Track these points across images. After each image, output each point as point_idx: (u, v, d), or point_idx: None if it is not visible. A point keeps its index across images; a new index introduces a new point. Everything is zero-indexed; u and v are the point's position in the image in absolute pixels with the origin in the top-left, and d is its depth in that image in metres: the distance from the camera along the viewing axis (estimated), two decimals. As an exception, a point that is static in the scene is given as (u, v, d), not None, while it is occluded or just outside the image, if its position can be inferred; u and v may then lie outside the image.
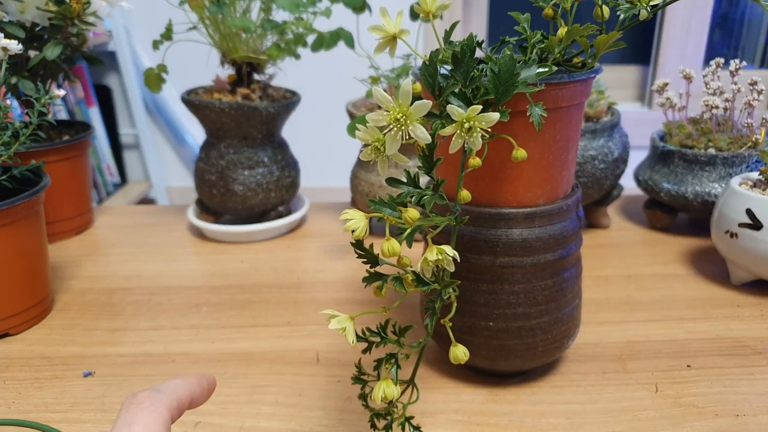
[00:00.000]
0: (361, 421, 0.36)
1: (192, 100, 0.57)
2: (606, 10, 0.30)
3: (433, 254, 0.27)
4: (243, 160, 0.59)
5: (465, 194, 0.30)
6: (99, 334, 0.45)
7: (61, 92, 0.49)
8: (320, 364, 0.41)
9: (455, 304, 0.30)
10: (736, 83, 0.57)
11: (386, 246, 0.27)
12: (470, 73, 0.28)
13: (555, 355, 0.38)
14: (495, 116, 0.26)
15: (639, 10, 0.29)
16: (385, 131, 0.27)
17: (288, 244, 0.61)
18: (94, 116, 1.66)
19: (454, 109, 0.27)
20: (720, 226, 0.49)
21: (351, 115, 0.58)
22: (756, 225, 0.46)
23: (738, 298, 0.49)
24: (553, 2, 0.31)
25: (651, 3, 0.29)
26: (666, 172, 0.58)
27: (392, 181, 0.29)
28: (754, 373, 0.40)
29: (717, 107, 0.56)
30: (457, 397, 0.38)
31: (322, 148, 1.59)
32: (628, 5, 0.29)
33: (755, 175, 0.51)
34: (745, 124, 0.57)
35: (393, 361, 0.29)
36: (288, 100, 0.59)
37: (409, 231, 0.27)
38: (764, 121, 0.57)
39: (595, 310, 0.47)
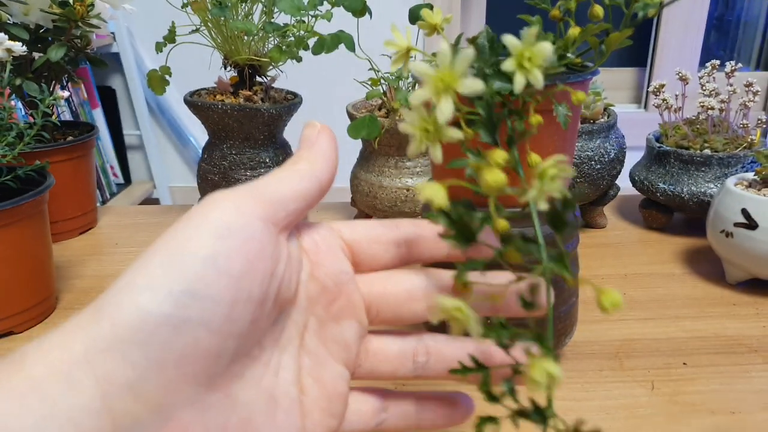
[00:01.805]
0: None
1: (195, 102, 0.57)
2: (600, 9, 0.31)
3: (552, 165, 0.21)
4: (245, 160, 0.59)
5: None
6: (103, 332, 0.46)
7: (65, 93, 0.50)
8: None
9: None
10: (731, 85, 0.57)
11: (490, 176, 0.22)
12: (499, 55, 0.27)
13: (552, 353, 0.38)
14: (548, 47, 0.24)
15: (650, 8, 0.29)
16: (433, 103, 0.24)
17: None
18: (98, 117, 1.67)
19: (510, 39, 0.24)
20: (716, 225, 0.49)
21: (351, 117, 0.58)
22: (751, 225, 0.46)
23: (734, 297, 0.49)
24: (558, 3, 0.32)
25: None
26: (662, 173, 0.59)
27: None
28: (749, 371, 0.40)
29: (713, 108, 0.57)
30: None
31: (322, 150, 1.59)
32: (643, 3, 0.29)
33: (750, 175, 0.51)
34: (741, 125, 0.58)
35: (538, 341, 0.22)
36: (290, 102, 0.60)
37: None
38: (759, 122, 0.57)
39: (592, 309, 0.47)
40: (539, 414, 0.22)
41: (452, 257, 0.25)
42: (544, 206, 0.22)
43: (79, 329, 0.18)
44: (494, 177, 0.22)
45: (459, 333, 0.22)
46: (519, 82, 0.24)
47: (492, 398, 0.23)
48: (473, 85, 0.23)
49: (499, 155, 0.23)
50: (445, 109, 0.24)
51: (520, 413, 0.23)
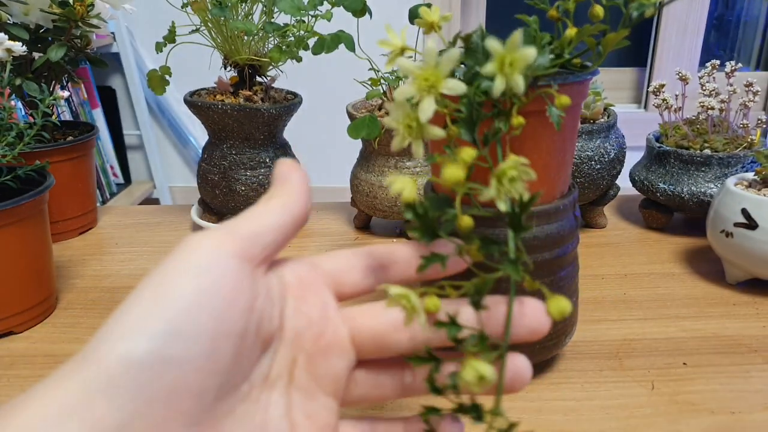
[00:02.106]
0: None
1: (195, 102, 0.57)
2: (600, 9, 0.31)
3: (511, 166, 0.22)
4: (245, 160, 0.59)
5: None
6: (103, 332, 0.46)
7: (65, 93, 0.50)
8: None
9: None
10: (731, 85, 0.57)
11: (448, 172, 0.23)
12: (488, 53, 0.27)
13: (552, 353, 0.38)
14: (531, 52, 0.24)
15: (647, 7, 0.29)
16: (416, 100, 0.25)
17: (289, 243, 0.61)
18: (98, 117, 1.67)
19: (493, 43, 0.24)
20: (715, 225, 0.50)
21: (351, 117, 0.58)
22: (751, 225, 0.46)
23: (733, 297, 0.49)
24: (556, 4, 0.32)
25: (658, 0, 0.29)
26: (662, 173, 0.59)
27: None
28: (749, 371, 0.40)
29: (713, 108, 0.57)
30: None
31: (322, 149, 1.60)
32: (638, 3, 0.29)
33: (750, 175, 0.51)
34: (741, 125, 0.58)
35: (481, 341, 0.23)
36: (289, 102, 0.60)
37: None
38: (759, 122, 0.57)
39: (592, 309, 0.48)
40: (476, 411, 0.23)
41: (424, 277, 0.25)
42: (503, 206, 0.23)
43: (65, 378, 0.18)
44: (452, 172, 0.23)
45: (409, 323, 0.23)
46: (498, 86, 0.24)
47: (436, 391, 0.23)
48: (455, 87, 0.24)
49: (467, 153, 0.24)
50: (427, 108, 0.24)
51: (460, 408, 0.23)
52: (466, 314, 0.24)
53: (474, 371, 0.21)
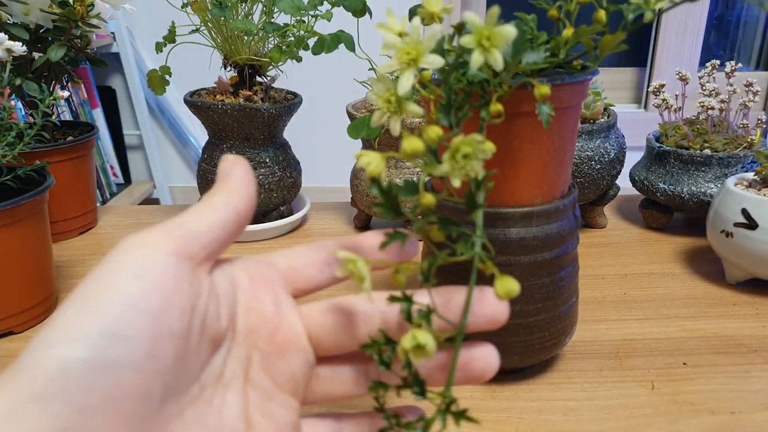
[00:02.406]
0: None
1: (195, 102, 0.57)
2: (604, 13, 0.31)
3: (466, 143, 0.22)
4: (245, 160, 0.59)
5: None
6: (103, 332, 0.46)
7: (65, 93, 0.50)
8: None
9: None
10: (731, 85, 0.57)
11: (408, 144, 0.23)
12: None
13: (552, 353, 0.38)
14: (510, 30, 0.24)
15: (645, 12, 0.29)
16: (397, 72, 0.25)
17: (289, 243, 0.61)
18: (98, 117, 1.67)
19: (472, 16, 0.24)
20: (715, 225, 0.50)
21: (351, 117, 0.58)
22: (751, 224, 0.46)
23: (733, 297, 0.50)
24: (558, 4, 0.32)
25: (657, 6, 0.29)
26: (662, 173, 0.59)
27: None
28: (749, 371, 0.40)
29: (713, 108, 0.57)
30: (455, 394, 0.38)
31: (322, 149, 1.60)
32: (635, 6, 0.30)
33: (750, 175, 0.51)
34: (741, 125, 0.58)
35: (427, 315, 0.23)
36: (289, 102, 0.60)
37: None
38: (759, 122, 0.57)
39: (592, 308, 0.48)
40: (419, 386, 0.23)
41: (377, 268, 0.25)
42: (457, 183, 0.23)
43: (0, 387, 0.18)
44: (410, 143, 0.23)
45: (359, 290, 0.23)
46: (476, 61, 0.24)
47: (384, 364, 0.23)
48: (435, 62, 0.24)
49: (434, 131, 0.24)
50: (406, 82, 0.24)
51: (404, 384, 0.23)
52: (424, 299, 0.24)
53: (412, 339, 0.21)
